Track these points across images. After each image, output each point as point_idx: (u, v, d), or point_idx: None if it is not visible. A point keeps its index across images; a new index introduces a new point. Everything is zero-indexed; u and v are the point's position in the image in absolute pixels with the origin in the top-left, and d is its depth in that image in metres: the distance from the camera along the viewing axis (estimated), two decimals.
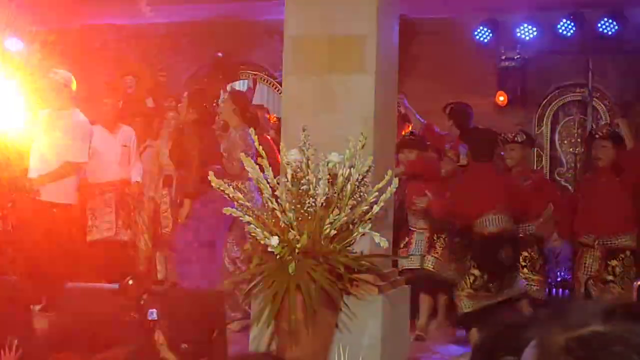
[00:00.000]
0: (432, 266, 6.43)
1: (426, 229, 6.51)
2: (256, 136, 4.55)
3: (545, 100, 9.15)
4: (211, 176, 4.38)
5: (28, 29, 10.37)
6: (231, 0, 9.42)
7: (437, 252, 6.44)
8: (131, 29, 10.28)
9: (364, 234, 4.27)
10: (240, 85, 10.13)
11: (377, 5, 4.75)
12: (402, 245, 6.55)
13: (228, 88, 8.56)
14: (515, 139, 6.39)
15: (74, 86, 6.71)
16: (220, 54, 9.69)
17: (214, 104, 7.49)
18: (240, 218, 4.31)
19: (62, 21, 10.20)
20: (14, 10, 9.52)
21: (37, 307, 5.90)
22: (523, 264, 6.17)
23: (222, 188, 4.30)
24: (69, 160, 6.49)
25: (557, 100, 9.17)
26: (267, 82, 10.08)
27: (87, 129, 6.73)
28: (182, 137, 6.38)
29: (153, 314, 3.55)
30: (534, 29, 8.68)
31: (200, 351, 4.10)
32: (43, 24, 10.29)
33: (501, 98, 8.88)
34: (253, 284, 4.29)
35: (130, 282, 3.47)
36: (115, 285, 4.90)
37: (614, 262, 5.90)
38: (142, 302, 3.72)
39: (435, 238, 6.47)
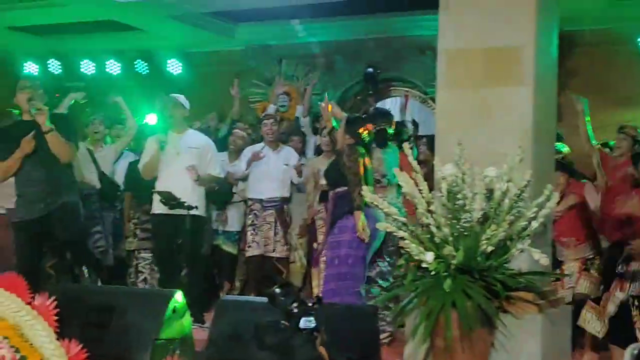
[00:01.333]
0: (586, 290, 6.27)
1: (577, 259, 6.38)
2: (410, 151, 4.52)
3: None
4: (365, 191, 4.38)
5: (186, 50, 10.81)
6: (382, 17, 9.45)
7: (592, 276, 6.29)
8: (284, 48, 10.50)
9: (522, 251, 4.15)
10: (391, 102, 10.14)
11: (535, 15, 4.62)
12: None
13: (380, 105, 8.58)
14: None
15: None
16: (370, 70, 9.73)
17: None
18: (394, 233, 4.28)
19: (215, 44, 10.55)
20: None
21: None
22: None
23: (376, 203, 4.29)
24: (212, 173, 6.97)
25: None
26: (418, 98, 10.02)
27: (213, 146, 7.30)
28: (338, 159, 6.42)
29: (308, 322, 3.54)
30: None
31: None
32: (201, 46, 10.69)
33: None
34: (407, 300, 4.23)
35: (277, 290, 3.48)
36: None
37: None
38: (292, 311, 3.72)
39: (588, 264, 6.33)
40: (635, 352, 4.08)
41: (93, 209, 7.63)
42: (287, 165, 7.73)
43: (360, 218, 6.11)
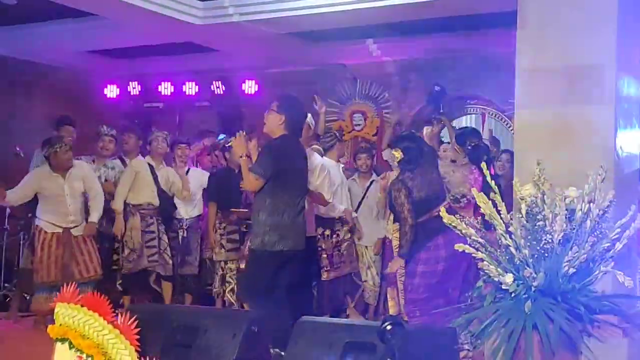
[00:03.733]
0: None
1: None
2: (487, 171, 4.47)
3: None
4: (443, 212, 4.34)
5: (262, 71, 10.94)
6: (458, 35, 9.40)
7: None
8: (359, 67, 10.54)
9: (605, 273, 4.05)
10: (467, 121, 10.07)
11: (616, 33, 4.54)
12: None
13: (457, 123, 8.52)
14: None
15: None
16: (437, 88, 9.67)
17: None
18: (473, 255, 4.24)
19: (294, 63, 10.63)
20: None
21: None
22: None
23: (454, 224, 4.25)
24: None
25: None
26: (495, 116, 9.93)
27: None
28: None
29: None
30: None
31: None
32: (276, 66, 10.80)
33: None
34: (487, 322, 4.18)
35: (389, 327, 3.44)
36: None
37: None
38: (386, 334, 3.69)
39: None
40: None
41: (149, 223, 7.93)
42: None
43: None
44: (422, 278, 6.14)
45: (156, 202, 8.02)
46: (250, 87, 11.12)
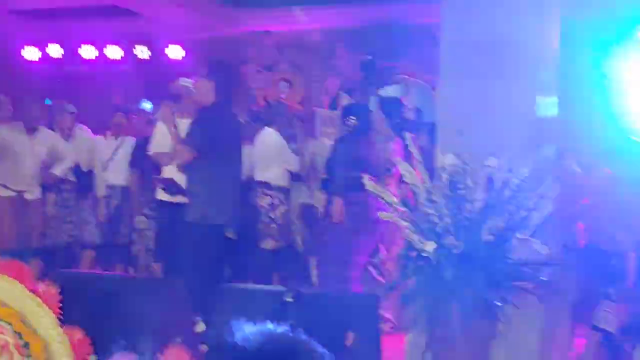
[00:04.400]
0: None
1: None
2: (410, 140, 4.52)
3: None
4: (365, 180, 4.38)
5: (187, 36, 10.80)
6: (385, 4, 9.44)
7: None
8: (286, 35, 10.49)
9: (523, 241, 4.17)
10: (393, 90, 10.12)
11: (538, 8, 4.63)
12: None
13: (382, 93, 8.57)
14: None
15: None
16: (369, 57, 9.69)
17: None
18: (395, 222, 4.30)
19: (220, 29, 10.53)
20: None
21: None
22: None
23: (377, 192, 4.30)
24: None
25: None
26: (420, 86, 10.00)
27: None
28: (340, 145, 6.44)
29: None
30: None
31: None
32: (201, 31, 10.68)
33: None
34: (408, 290, 4.26)
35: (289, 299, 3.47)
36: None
37: None
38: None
39: None
40: None
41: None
42: None
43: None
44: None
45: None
46: (175, 52, 10.98)
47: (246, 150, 6.59)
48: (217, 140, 5.80)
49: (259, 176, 7.54)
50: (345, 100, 8.85)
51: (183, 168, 5.99)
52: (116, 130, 8.34)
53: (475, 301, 3.98)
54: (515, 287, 4.23)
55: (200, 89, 5.90)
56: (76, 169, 8.07)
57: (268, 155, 7.49)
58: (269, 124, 7.77)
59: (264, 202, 7.52)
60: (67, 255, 7.95)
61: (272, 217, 7.50)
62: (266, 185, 7.54)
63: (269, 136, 7.57)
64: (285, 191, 7.74)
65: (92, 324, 4.21)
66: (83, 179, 8.12)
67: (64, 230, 7.88)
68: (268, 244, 7.48)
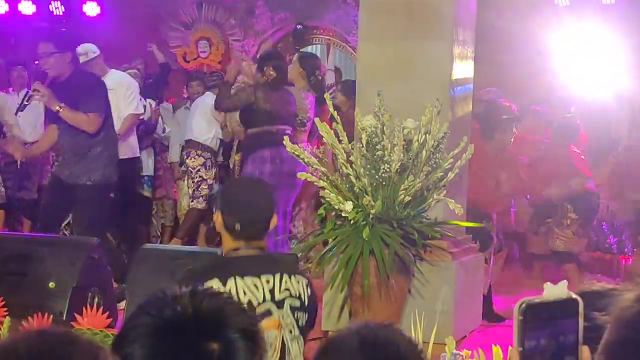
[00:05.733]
0: None
1: None
2: (330, 101, 4.55)
3: None
4: (286, 141, 4.39)
5: None
6: None
7: None
8: None
9: (438, 201, 4.26)
10: (313, 50, 10.11)
11: None
12: None
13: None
14: None
15: None
16: (299, 26, 9.66)
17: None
18: (315, 183, 4.34)
19: None
20: None
21: None
22: None
23: (296, 153, 4.31)
24: None
25: None
26: (340, 47, 10.03)
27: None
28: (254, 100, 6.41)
29: None
30: None
31: None
32: None
33: None
34: (327, 248, 4.31)
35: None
36: None
37: None
38: None
39: None
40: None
41: None
42: None
43: None
44: None
45: None
46: (92, 8, 10.68)
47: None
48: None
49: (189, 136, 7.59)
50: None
51: None
52: (18, 85, 8.10)
53: (391, 258, 4.06)
54: (430, 246, 4.34)
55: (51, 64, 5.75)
56: None
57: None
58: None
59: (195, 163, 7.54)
60: None
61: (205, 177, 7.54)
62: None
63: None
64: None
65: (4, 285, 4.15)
66: None
67: None
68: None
